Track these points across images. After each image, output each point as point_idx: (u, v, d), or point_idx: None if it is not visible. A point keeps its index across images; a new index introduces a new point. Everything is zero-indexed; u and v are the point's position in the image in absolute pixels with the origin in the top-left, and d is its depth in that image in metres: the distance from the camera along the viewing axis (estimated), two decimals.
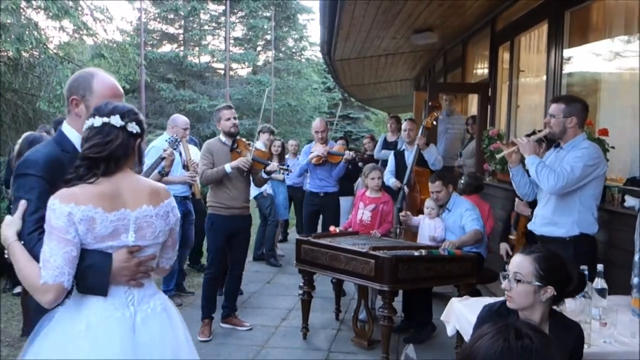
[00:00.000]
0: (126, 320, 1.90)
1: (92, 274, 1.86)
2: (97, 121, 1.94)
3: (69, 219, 1.80)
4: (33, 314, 2.13)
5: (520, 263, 2.21)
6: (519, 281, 2.17)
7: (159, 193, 2.04)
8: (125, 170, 1.97)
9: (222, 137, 4.93)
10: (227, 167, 4.75)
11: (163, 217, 2.01)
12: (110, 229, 1.87)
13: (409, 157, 6.25)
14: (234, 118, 4.89)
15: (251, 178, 5.04)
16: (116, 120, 1.94)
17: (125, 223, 1.90)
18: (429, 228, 4.89)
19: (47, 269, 1.79)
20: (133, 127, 1.98)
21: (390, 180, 6.22)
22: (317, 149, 6.31)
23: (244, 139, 5.06)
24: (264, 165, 4.97)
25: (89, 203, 1.83)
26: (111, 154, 1.91)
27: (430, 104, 6.73)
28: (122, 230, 1.90)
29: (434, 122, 6.46)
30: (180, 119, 5.80)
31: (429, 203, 4.97)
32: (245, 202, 4.96)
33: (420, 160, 6.10)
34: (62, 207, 1.81)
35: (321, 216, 6.61)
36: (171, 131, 5.72)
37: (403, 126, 6.61)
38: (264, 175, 5.01)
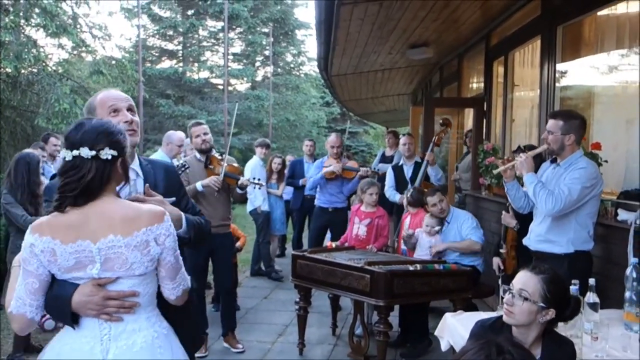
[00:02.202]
0: (95, 354, 1.81)
1: (57, 305, 1.83)
2: (68, 155, 1.81)
3: (31, 250, 1.78)
4: None
5: (527, 281, 2.17)
6: (526, 299, 2.14)
7: (135, 220, 1.82)
8: (104, 195, 1.84)
9: (197, 154, 4.87)
10: (199, 185, 4.66)
11: (138, 247, 1.80)
12: (72, 261, 1.77)
13: (408, 171, 6.33)
14: (204, 134, 4.80)
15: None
16: (86, 152, 1.79)
17: (88, 255, 1.78)
18: (428, 244, 4.88)
19: (15, 299, 1.81)
20: (107, 154, 1.82)
21: (397, 197, 6.24)
22: (332, 164, 6.32)
23: (216, 155, 4.96)
24: (236, 181, 4.87)
25: (49, 234, 1.76)
26: (86, 187, 1.79)
27: (441, 121, 6.79)
28: (86, 262, 1.79)
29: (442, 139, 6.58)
30: (175, 136, 5.79)
31: (428, 220, 4.94)
32: (222, 220, 4.82)
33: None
34: (28, 237, 1.79)
35: (329, 232, 6.62)
36: (166, 148, 5.73)
37: (402, 140, 6.66)
38: (239, 191, 4.91)
